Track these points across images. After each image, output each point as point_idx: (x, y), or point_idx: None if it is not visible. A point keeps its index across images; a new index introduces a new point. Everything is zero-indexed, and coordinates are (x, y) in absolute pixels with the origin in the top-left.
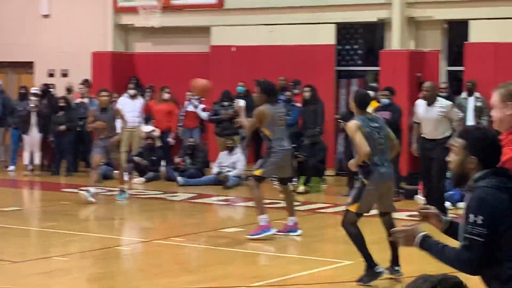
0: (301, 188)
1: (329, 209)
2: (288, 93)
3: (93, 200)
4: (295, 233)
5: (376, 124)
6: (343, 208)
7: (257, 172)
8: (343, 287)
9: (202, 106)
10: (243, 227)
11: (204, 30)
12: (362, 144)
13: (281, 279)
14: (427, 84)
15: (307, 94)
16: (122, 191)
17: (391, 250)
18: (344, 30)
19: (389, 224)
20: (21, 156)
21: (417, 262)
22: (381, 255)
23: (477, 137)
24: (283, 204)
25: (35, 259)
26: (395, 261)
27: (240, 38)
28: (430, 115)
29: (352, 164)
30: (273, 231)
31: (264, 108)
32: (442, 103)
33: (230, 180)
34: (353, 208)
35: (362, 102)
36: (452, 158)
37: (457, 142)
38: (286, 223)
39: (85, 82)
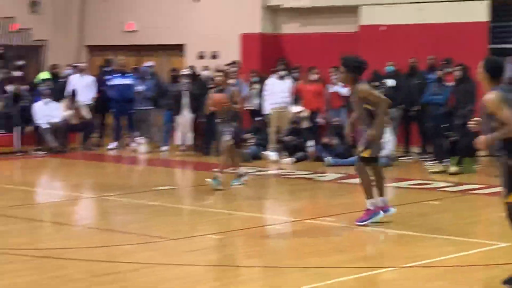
0: (453, 169)
1: (481, 190)
2: (439, 72)
3: (220, 187)
4: (390, 212)
5: None
6: (496, 189)
7: (366, 154)
8: (498, 270)
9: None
10: (393, 208)
11: (353, 10)
12: (511, 118)
13: (433, 260)
14: None
15: (458, 73)
16: (240, 175)
17: None
18: (500, 7)
19: None
20: (173, 136)
21: None
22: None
23: None
24: (433, 184)
25: (189, 237)
26: None
27: (389, 17)
28: None
29: (488, 140)
30: (382, 214)
31: (366, 86)
32: None
33: (380, 160)
34: None
35: (496, 70)
36: None
37: None
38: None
39: (233, 63)
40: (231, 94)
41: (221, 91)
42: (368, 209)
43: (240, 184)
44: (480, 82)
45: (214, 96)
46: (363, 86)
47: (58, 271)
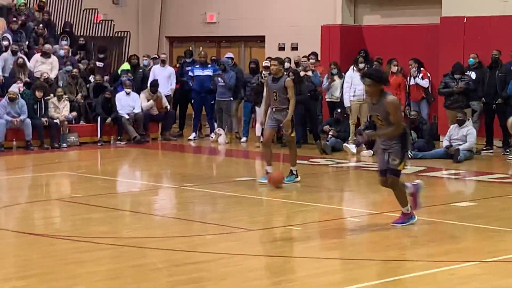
0: None
1: None
2: None
3: (297, 179)
4: (414, 220)
5: None
6: None
7: (401, 167)
8: None
9: (420, 75)
10: (475, 202)
11: (435, 1)
12: None
13: None
14: None
15: None
16: (292, 173)
17: None
18: None
19: None
20: (253, 127)
21: None
22: None
23: None
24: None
25: (268, 228)
26: None
27: (472, 8)
28: None
29: None
30: (416, 218)
31: (395, 100)
32: None
33: (461, 153)
34: None
35: None
36: None
37: None
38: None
39: (311, 55)
40: (285, 84)
41: (276, 80)
42: (404, 213)
43: (262, 182)
44: None
45: (269, 85)
46: (392, 99)
47: (139, 260)
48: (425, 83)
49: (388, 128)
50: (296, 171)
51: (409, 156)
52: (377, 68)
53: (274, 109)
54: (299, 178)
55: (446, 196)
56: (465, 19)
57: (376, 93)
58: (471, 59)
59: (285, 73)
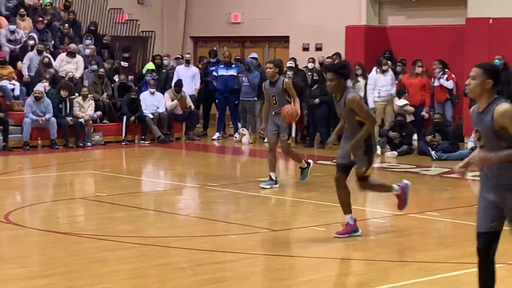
0: None
1: None
2: None
3: (276, 186)
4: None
5: None
6: None
7: (369, 172)
8: None
9: (445, 76)
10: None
11: (460, 2)
12: None
13: None
14: None
15: None
16: (302, 169)
17: None
18: None
19: None
20: None
21: None
22: None
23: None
24: None
25: (291, 228)
26: None
27: (498, 9)
28: None
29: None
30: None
31: (357, 96)
32: None
33: None
34: None
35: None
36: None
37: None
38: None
39: (335, 55)
40: (284, 87)
41: (273, 84)
42: (397, 194)
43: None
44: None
45: (267, 89)
46: (352, 97)
47: (163, 260)
48: (449, 84)
49: (360, 131)
50: (305, 161)
51: (434, 157)
52: (343, 63)
53: (274, 113)
54: (312, 164)
55: (470, 198)
56: (490, 20)
57: (338, 89)
58: (496, 60)
59: (281, 76)
